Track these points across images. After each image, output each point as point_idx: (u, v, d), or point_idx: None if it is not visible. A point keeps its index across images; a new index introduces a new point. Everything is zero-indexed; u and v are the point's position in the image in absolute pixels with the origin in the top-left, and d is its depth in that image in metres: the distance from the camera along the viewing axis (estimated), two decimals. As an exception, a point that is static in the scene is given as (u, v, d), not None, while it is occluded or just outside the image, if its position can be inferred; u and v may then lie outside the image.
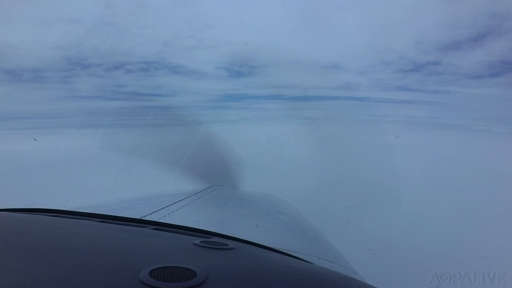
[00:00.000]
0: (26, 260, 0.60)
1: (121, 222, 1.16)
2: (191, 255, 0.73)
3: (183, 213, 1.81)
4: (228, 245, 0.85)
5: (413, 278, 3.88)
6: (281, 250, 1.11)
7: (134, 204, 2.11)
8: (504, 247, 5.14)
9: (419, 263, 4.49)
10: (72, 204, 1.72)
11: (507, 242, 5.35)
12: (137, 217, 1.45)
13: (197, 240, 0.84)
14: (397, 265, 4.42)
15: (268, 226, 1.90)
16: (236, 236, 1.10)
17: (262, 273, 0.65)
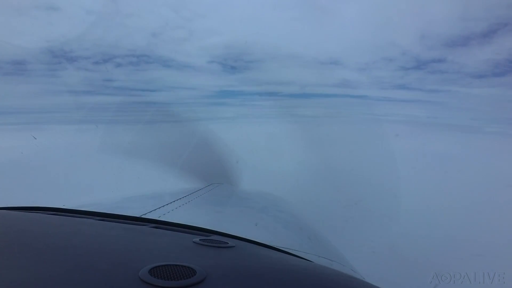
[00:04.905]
0: (26, 259, 0.60)
1: (121, 220, 1.16)
2: (191, 253, 0.73)
3: (182, 211, 1.81)
4: (227, 243, 0.85)
5: (412, 277, 3.89)
6: (280, 248, 1.11)
7: (134, 202, 2.11)
8: (505, 246, 5.15)
9: (418, 262, 4.49)
10: (72, 203, 1.71)
11: (508, 241, 5.35)
12: (137, 215, 1.45)
13: (197, 238, 0.85)
14: (397, 264, 4.42)
15: (268, 224, 1.90)
16: (236, 234, 1.10)
17: (262, 271, 0.65)
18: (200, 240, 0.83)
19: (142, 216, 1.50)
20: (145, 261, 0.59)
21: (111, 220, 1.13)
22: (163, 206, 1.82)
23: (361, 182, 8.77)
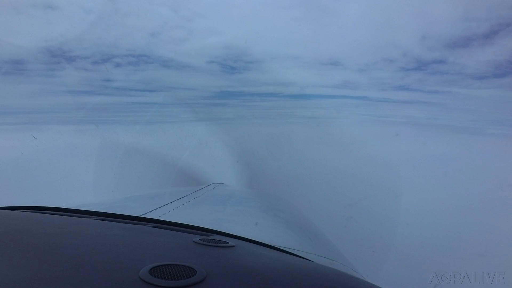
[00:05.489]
0: (26, 258, 0.60)
1: (121, 220, 1.16)
2: (191, 253, 0.73)
3: (183, 211, 1.81)
4: (227, 243, 0.85)
5: (412, 277, 3.89)
6: (280, 248, 1.11)
7: (134, 202, 2.11)
8: (505, 246, 5.15)
9: (418, 262, 4.49)
10: (72, 202, 1.72)
11: (508, 241, 5.35)
12: (137, 215, 1.45)
13: (197, 238, 0.84)
14: (397, 263, 4.42)
15: (268, 224, 1.90)
16: (236, 234, 1.10)
17: (262, 271, 0.65)
18: (200, 239, 0.83)
19: (143, 216, 1.50)
20: (145, 261, 0.59)
21: (111, 220, 1.13)
22: (163, 206, 1.82)
23: (362, 182, 8.77)
